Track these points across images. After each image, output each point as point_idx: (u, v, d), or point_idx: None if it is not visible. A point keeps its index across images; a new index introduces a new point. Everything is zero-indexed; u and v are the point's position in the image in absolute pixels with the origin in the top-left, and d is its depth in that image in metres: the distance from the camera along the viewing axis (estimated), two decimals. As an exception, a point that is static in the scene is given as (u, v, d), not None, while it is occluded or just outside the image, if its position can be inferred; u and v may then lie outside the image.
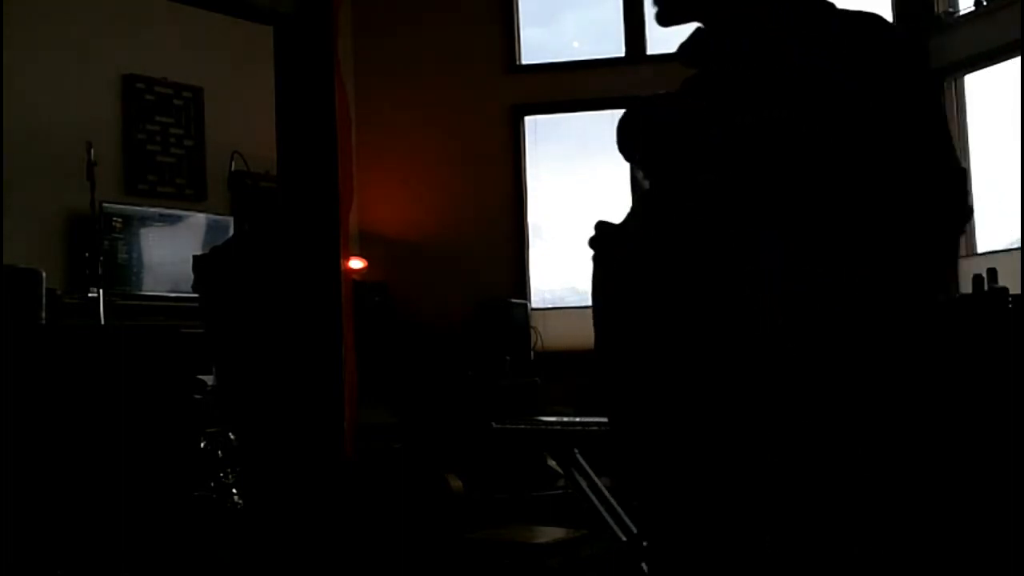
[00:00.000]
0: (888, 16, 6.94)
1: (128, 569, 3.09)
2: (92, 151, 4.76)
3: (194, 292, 4.13)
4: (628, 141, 1.70)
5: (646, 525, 1.47)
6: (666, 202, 1.50)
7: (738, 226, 1.40)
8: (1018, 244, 5.44)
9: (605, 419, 4.55)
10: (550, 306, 7.11)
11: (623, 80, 7.16)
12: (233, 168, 6.12)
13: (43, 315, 3.38)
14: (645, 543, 3.80)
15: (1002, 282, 4.58)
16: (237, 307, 3.60)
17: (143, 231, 5.71)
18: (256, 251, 3.74)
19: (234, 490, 4.12)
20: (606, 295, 1.57)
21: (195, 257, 4.07)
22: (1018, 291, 4.38)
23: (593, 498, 3.93)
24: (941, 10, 6.72)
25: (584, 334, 7.67)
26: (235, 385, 3.67)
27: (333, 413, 3.88)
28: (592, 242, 1.55)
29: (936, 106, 1.52)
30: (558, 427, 3.99)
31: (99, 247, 5.03)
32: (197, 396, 4.23)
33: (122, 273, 5.57)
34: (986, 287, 4.56)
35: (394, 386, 5.28)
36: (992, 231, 6.51)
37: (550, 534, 3.83)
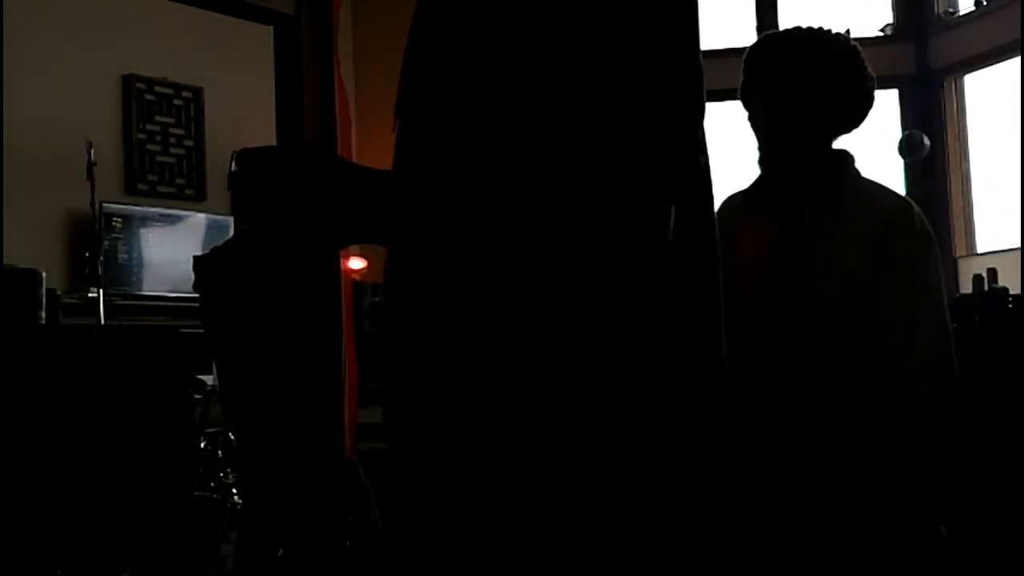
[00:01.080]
0: (889, 16, 6.97)
1: (128, 569, 3.09)
2: (92, 151, 4.76)
3: (194, 292, 4.13)
4: None
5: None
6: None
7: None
8: (1018, 244, 5.44)
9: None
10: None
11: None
12: (233, 168, 6.12)
13: (43, 315, 3.38)
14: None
15: (1002, 282, 4.58)
16: (237, 307, 3.60)
17: (143, 231, 5.71)
18: (256, 251, 3.74)
19: (234, 490, 4.13)
20: None
21: (195, 257, 4.07)
22: (1018, 291, 4.39)
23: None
24: (941, 10, 6.72)
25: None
26: (235, 385, 3.67)
27: (333, 413, 3.88)
28: None
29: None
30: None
31: (99, 247, 5.03)
32: (197, 396, 4.23)
33: (122, 273, 5.57)
34: (986, 287, 4.56)
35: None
36: (992, 231, 6.51)
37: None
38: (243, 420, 3.65)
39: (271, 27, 4.61)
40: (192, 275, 4.15)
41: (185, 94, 6.13)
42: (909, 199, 1.90)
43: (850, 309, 1.76)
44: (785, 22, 6.87)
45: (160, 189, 6.00)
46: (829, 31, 1.95)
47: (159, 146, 6.01)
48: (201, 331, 3.83)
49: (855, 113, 1.92)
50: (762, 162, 1.95)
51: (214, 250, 4.27)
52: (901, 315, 1.76)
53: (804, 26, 1.93)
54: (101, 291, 4.77)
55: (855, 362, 1.77)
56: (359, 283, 5.81)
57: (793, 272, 1.79)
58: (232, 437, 4.21)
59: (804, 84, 1.86)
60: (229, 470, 4.23)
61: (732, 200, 2.07)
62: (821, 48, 1.91)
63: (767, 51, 1.93)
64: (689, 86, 1.20)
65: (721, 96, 7.86)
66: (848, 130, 1.93)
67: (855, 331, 1.76)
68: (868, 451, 1.75)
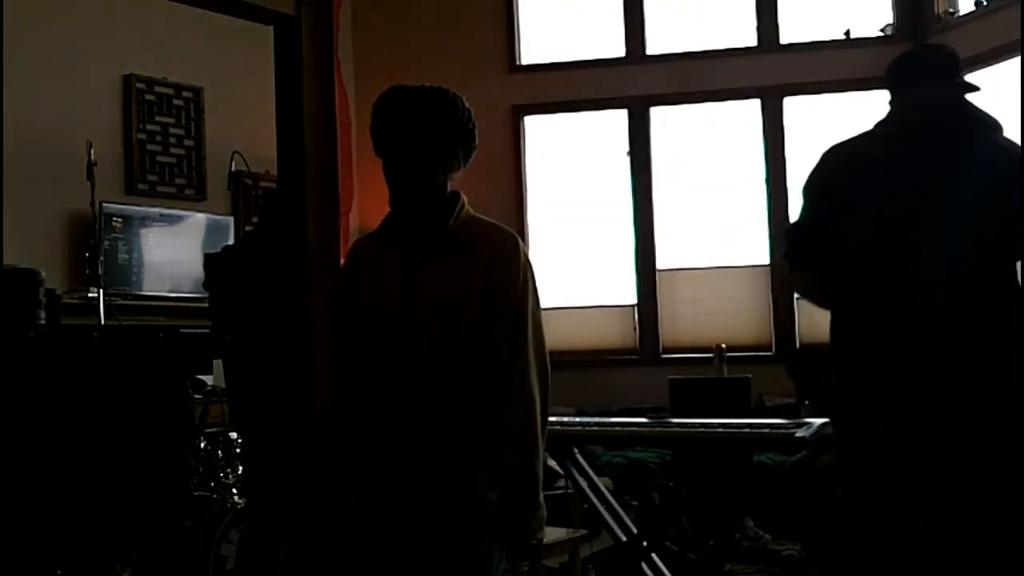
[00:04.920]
0: (889, 16, 6.95)
1: (128, 569, 3.09)
2: (92, 151, 4.76)
3: (205, 290, 4.13)
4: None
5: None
6: None
7: None
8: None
9: (606, 419, 4.55)
10: (550, 306, 7.10)
11: (623, 80, 7.16)
12: (233, 168, 6.12)
13: (42, 315, 3.37)
14: (645, 543, 3.81)
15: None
16: (247, 305, 3.60)
17: (143, 231, 5.71)
18: (264, 250, 3.75)
19: (234, 490, 4.12)
20: None
21: (207, 255, 4.08)
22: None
23: (593, 498, 3.93)
24: (941, 10, 6.72)
25: (584, 334, 7.80)
26: (242, 383, 3.67)
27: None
28: None
29: None
30: (558, 427, 3.99)
31: (99, 247, 5.04)
32: (197, 396, 4.22)
33: (122, 273, 5.57)
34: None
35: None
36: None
37: (550, 534, 3.83)
38: (249, 418, 3.66)
39: (271, 27, 4.60)
40: (197, 274, 4.15)
41: (185, 94, 6.13)
42: (514, 232, 2.10)
43: (467, 340, 1.97)
44: (785, 22, 6.88)
45: (160, 189, 6.00)
46: (435, 89, 2.13)
47: (159, 146, 6.01)
48: (201, 331, 3.83)
49: (457, 154, 2.10)
50: (390, 204, 2.14)
51: (225, 248, 4.28)
52: (507, 338, 1.99)
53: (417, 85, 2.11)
54: (101, 291, 4.77)
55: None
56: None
57: (410, 309, 1.99)
58: (236, 436, 4.20)
59: (406, 134, 2.05)
60: (229, 470, 4.22)
61: (362, 241, 2.28)
62: (418, 100, 2.09)
63: (382, 106, 2.10)
64: None
65: (721, 96, 7.90)
66: (456, 169, 2.10)
67: (479, 360, 1.98)
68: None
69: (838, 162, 2.46)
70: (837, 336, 2.42)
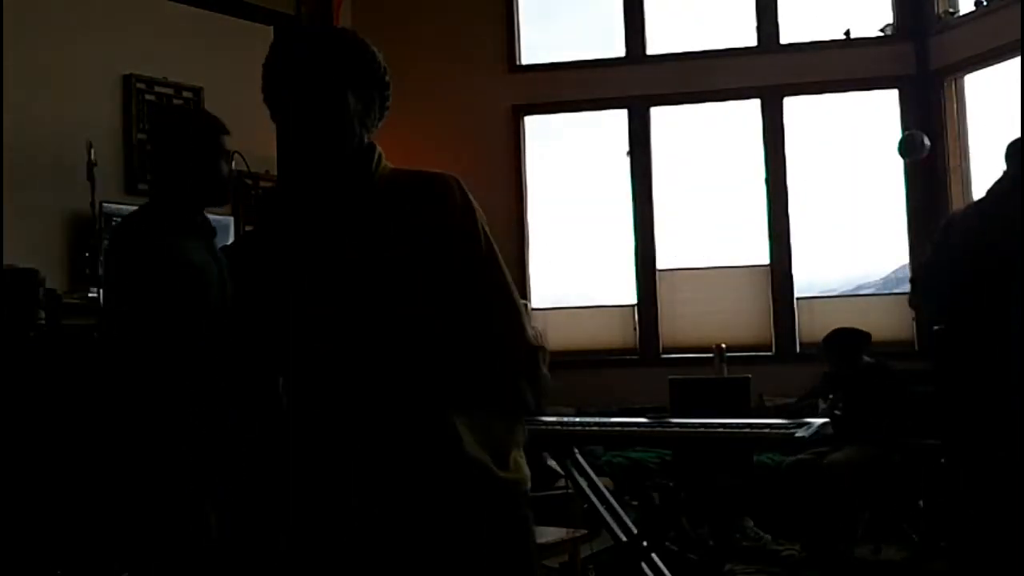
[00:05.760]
0: (889, 16, 6.95)
1: (128, 569, 3.09)
2: (92, 151, 4.75)
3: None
4: None
5: None
6: None
7: None
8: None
9: (605, 419, 4.56)
10: (550, 306, 7.11)
11: (623, 80, 7.16)
12: (233, 168, 6.11)
13: (42, 315, 3.38)
14: (645, 543, 3.81)
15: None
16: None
17: (143, 231, 5.71)
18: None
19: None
20: None
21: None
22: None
23: (593, 498, 3.93)
24: (941, 10, 6.73)
25: (584, 334, 7.82)
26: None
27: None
28: None
29: None
30: (558, 427, 3.99)
31: (99, 247, 5.03)
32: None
33: (122, 273, 5.56)
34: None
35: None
36: (992, 231, 6.50)
37: (550, 534, 3.83)
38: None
39: (271, 27, 4.62)
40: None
41: (185, 94, 6.13)
42: (453, 175, 1.83)
43: (419, 298, 1.73)
44: (785, 22, 6.88)
45: (160, 189, 5.99)
46: (339, 28, 1.85)
47: (159, 146, 6.00)
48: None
49: (374, 101, 1.87)
50: (283, 163, 1.93)
51: (222, 249, 4.27)
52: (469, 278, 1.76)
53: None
54: (101, 291, 4.77)
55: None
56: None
57: (350, 275, 1.77)
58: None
59: (318, 76, 1.78)
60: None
61: (262, 206, 2.12)
62: (326, 40, 1.82)
63: (283, 49, 1.82)
64: None
65: (721, 96, 7.93)
66: (371, 122, 1.88)
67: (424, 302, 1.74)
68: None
69: (952, 217, 3.90)
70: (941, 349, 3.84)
